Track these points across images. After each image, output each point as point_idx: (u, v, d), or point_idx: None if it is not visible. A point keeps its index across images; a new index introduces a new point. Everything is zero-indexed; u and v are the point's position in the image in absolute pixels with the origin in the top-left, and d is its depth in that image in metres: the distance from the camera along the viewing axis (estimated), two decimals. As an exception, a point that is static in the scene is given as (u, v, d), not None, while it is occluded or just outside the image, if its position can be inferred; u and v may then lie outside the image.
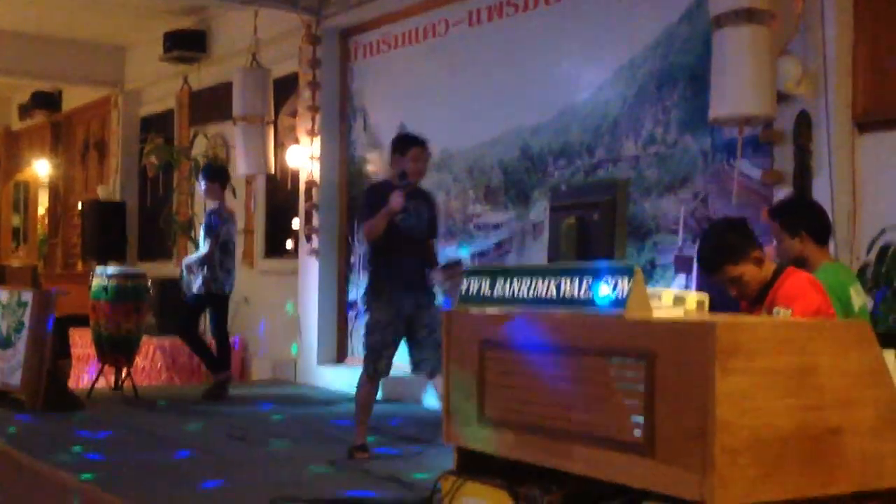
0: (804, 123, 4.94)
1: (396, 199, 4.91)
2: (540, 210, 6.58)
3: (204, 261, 7.23)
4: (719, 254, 3.49)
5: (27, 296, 6.88)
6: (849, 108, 4.86)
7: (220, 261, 7.26)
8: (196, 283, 7.26)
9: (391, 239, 4.99)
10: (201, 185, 7.60)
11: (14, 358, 6.77)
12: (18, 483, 4.97)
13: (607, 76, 6.24)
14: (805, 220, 4.01)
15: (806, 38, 4.94)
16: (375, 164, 8.30)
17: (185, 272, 7.36)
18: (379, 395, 7.54)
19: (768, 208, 4.30)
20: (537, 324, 2.66)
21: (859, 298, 3.89)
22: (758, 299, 3.52)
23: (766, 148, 5.19)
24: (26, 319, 6.74)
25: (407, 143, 5.37)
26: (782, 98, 4.96)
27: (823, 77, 4.85)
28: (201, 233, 7.42)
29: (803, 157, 4.92)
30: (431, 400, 6.87)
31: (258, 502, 3.99)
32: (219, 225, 7.26)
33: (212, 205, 7.51)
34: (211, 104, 10.36)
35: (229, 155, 9.64)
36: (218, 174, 7.72)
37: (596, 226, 2.78)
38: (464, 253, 6.88)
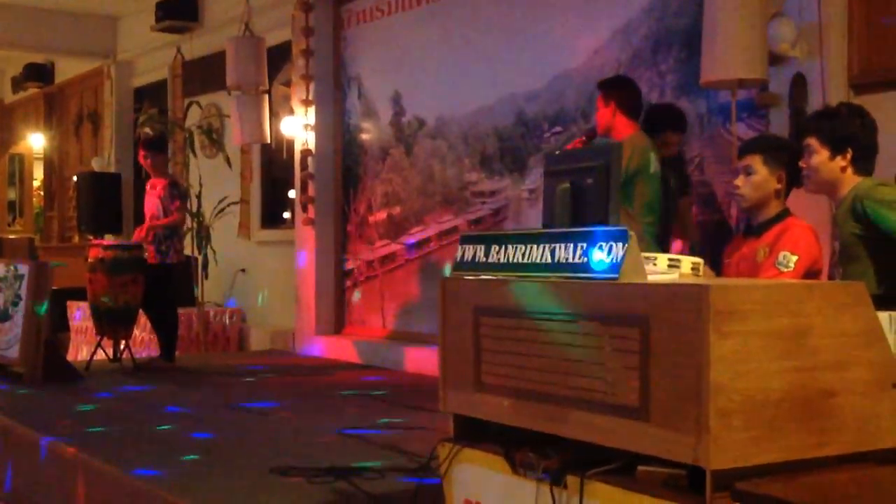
0: (800, 85, 4.92)
1: None
2: (536, 177, 6.57)
3: (175, 230, 7.45)
4: (762, 142, 3.77)
5: (24, 268, 6.87)
6: (844, 70, 4.84)
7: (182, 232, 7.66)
8: (166, 253, 7.41)
9: None
10: (147, 158, 7.61)
11: (12, 331, 6.78)
12: (17, 456, 4.99)
13: (602, 40, 6.20)
14: (618, 94, 4.74)
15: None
16: (370, 133, 8.27)
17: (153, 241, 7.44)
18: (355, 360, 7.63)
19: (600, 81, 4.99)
20: (532, 289, 2.66)
21: (656, 164, 4.55)
22: (754, 231, 3.69)
23: (761, 111, 5.17)
24: (23, 292, 6.74)
25: (657, 125, 4.81)
26: (777, 60, 4.93)
27: (819, 38, 4.82)
28: (159, 204, 7.49)
29: (799, 120, 4.90)
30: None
31: (257, 472, 4.01)
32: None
33: (166, 176, 7.64)
34: (204, 74, 10.31)
35: (224, 125, 9.60)
36: (166, 145, 7.99)
37: (590, 191, 2.76)
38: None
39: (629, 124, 4.73)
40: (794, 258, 3.48)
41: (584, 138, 4.85)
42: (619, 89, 4.82)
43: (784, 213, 3.68)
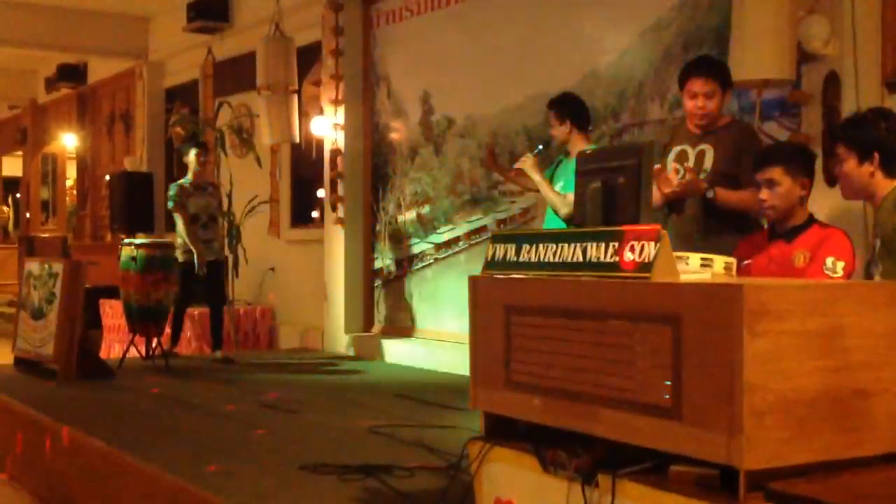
0: (832, 84, 4.88)
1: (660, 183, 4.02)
2: (565, 175, 6.55)
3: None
4: (782, 153, 3.73)
5: (58, 267, 6.95)
6: (878, 68, 4.79)
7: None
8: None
9: None
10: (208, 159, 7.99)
11: (46, 329, 6.86)
12: (51, 452, 5.05)
13: (632, 39, 6.17)
14: (572, 112, 5.17)
15: (834, -3, 4.88)
16: (400, 132, 8.29)
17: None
18: (384, 358, 7.66)
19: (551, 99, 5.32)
20: (563, 288, 2.66)
21: None
22: (781, 235, 3.69)
23: (794, 109, 5.14)
24: (57, 290, 6.81)
25: (683, 74, 4.29)
26: (810, 58, 4.90)
27: (852, 36, 4.77)
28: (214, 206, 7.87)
29: (832, 118, 4.87)
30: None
31: (288, 469, 4.03)
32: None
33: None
34: (235, 74, 10.37)
35: (254, 124, 9.65)
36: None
37: (622, 190, 2.76)
38: None
39: (584, 139, 5.21)
40: (842, 264, 3.51)
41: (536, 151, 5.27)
42: (572, 108, 5.21)
43: (812, 218, 3.70)
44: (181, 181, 7.90)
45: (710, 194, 4.04)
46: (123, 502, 4.27)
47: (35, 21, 11.73)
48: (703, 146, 4.22)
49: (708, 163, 4.19)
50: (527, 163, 5.24)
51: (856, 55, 4.76)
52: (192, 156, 7.85)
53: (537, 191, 5.35)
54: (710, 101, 4.17)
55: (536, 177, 5.19)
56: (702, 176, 4.14)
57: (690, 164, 4.21)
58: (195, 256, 7.55)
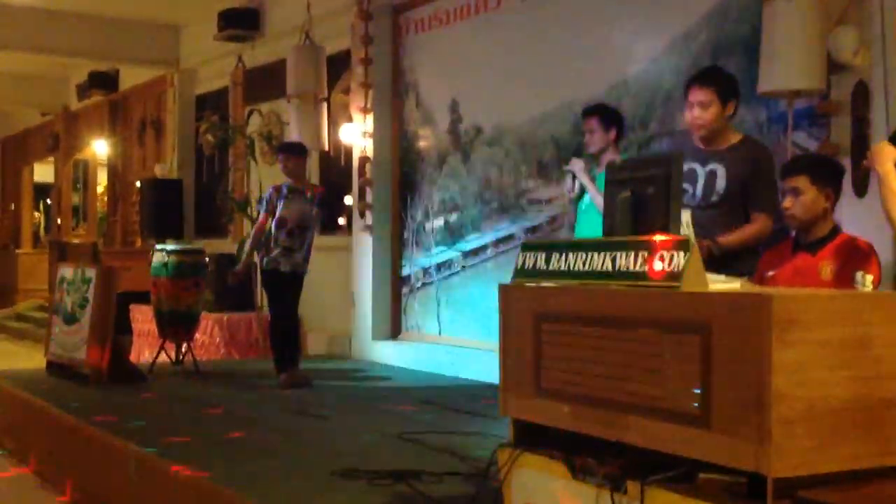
0: (862, 94, 4.88)
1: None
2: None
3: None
4: (809, 162, 3.78)
5: (91, 272, 7.04)
6: (908, 78, 4.79)
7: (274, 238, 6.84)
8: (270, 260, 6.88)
9: None
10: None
11: (78, 333, 6.95)
12: (87, 457, 5.12)
13: (661, 48, 6.19)
14: (615, 118, 5.17)
15: (862, 8, 4.87)
16: (428, 140, 8.34)
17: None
18: (412, 365, 7.69)
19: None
20: (593, 297, 2.69)
21: None
22: (806, 247, 3.67)
23: (822, 119, 5.14)
24: (90, 296, 6.90)
25: (685, 85, 4.23)
26: (839, 69, 4.89)
27: (881, 47, 4.77)
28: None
29: (861, 128, 4.86)
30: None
31: (318, 475, 4.07)
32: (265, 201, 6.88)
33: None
34: (265, 82, 10.47)
35: (283, 132, 9.74)
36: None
37: (651, 199, 2.79)
38: None
39: (615, 150, 5.22)
40: (871, 277, 3.49)
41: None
42: (615, 116, 5.23)
43: (837, 229, 3.69)
44: (280, 184, 6.90)
45: (715, 251, 3.83)
46: (156, 505, 4.33)
47: (67, 29, 11.90)
48: (713, 165, 4.01)
49: (721, 184, 4.00)
50: (577, 166, 5.22)
51: (885, 65, 4.76)
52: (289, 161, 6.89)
53: (580, 196, 5.27)
54: (706, 112, 3.96)
55: (585, 179, 5.17)
56: (713, 199, 3.99)
57: (700, 183, 4.02)
58: (263, 262, 6.85)
